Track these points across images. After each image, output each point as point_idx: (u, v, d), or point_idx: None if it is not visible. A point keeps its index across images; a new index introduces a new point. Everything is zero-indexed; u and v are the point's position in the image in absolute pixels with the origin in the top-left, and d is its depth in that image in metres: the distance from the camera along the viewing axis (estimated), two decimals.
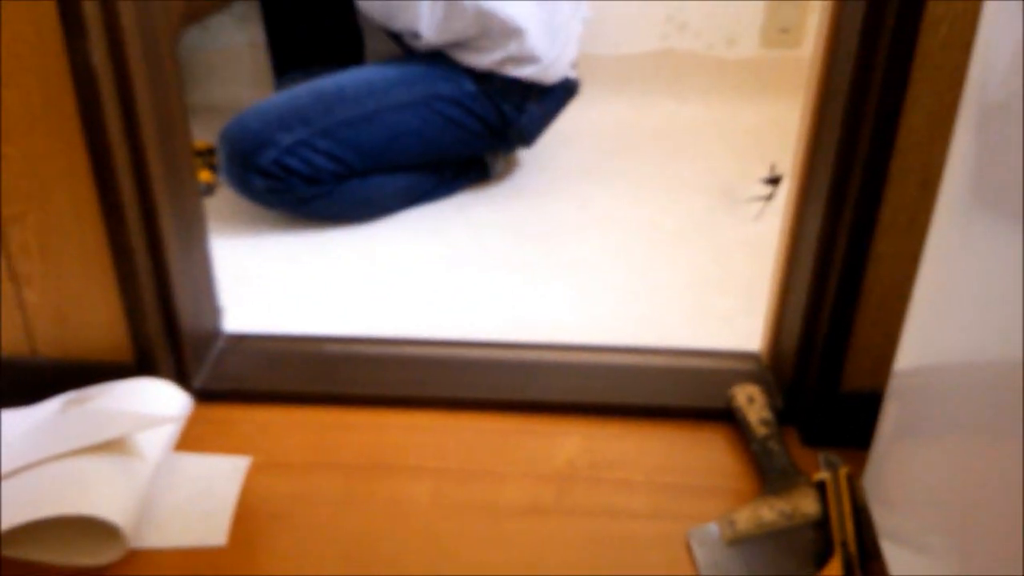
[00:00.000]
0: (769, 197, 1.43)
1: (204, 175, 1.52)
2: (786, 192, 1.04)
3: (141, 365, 0.98)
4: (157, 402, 0.89)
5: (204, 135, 1.51)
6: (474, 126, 1.41)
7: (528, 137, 1.49)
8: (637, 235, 1.39)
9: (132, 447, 0.83)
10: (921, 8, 0.77)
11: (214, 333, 1.10)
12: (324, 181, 1.34)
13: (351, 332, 1.14)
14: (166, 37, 0.93)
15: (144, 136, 0.89)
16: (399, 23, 1.36)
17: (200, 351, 1.05)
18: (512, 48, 1.35)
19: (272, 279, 1.28)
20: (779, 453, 0.91)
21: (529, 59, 1.39)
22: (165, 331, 0.99)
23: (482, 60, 1.39)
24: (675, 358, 1.07)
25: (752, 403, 0.97)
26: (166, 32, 0.93)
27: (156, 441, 0.86)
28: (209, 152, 1.53)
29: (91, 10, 0.81)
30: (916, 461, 0.79)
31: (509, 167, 1.58)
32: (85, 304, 0.96)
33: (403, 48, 1.50)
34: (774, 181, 1.46)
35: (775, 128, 1.72)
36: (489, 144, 1.47)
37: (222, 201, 1.45)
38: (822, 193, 0.91)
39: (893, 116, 0.82)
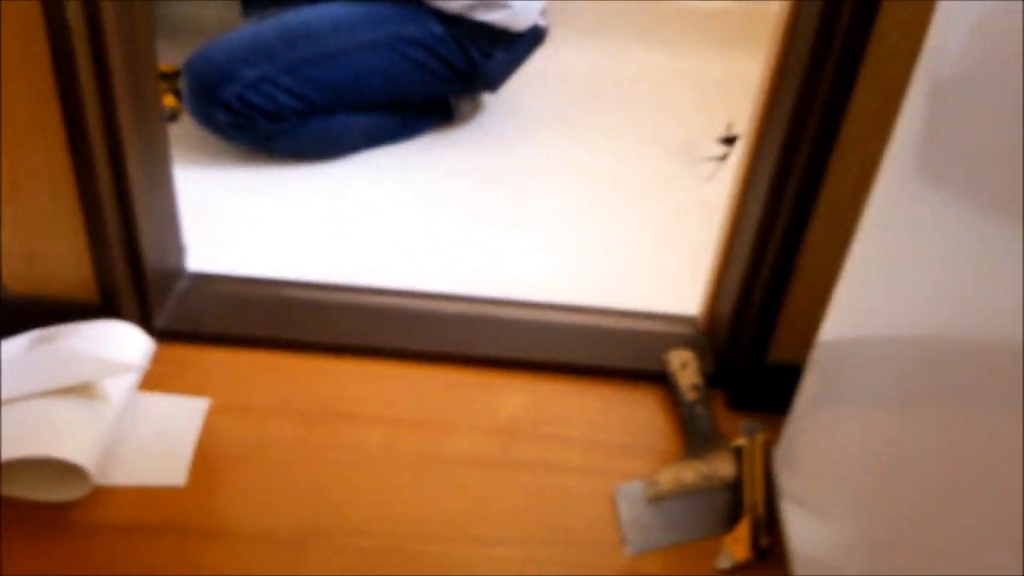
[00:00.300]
0: (723, 158, 1.48)
1: (168, 100, 1.52)
2: (739, 155, 1.08)
3: (106, 304, 1.02)
4: (123, 346, 0.93)
5: (169, 57, 1.50)
6: (439, 69, 1.43)
7: (493, 82, 1.51)
8: (598, 188, 1.43)
9: (98, 390, 0.87)
10: None
11: (177, 272, 1.14)
12: (286, 118, 1.36)
13: (311, 274, 1.18)
14: None
15: (112, 71, 0.90)
16: None
17: (163, 290, 1.09)
18: None
19: (233, 215, 1.31)
20: (704, 419, 0.98)
21: (500, 4, 1.39)
22: (130, 271, 1.03)
23: (452, 2, 1.39)
24: (619, 319, 1.13)
25: (685, 368, 1.04)
26: None
27: (121, 384, 0.90)
28: (174, 75, 1.53)
29: None
30: (827, 429, 0.86)
31: (474, 110, 1.60)
32: (53, 243, 0.99)
33: None
34: (729, 141, 1.51)
35: (741, 79, 1.74)
36: (454, 87, 1.49)
37: (184, 129, 1.46)
38: (771, 160, 0.96)
39: (847, 86, 0.85)
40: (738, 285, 1.02)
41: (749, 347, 1.02)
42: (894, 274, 0.75)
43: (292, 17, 1.36)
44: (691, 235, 1.33)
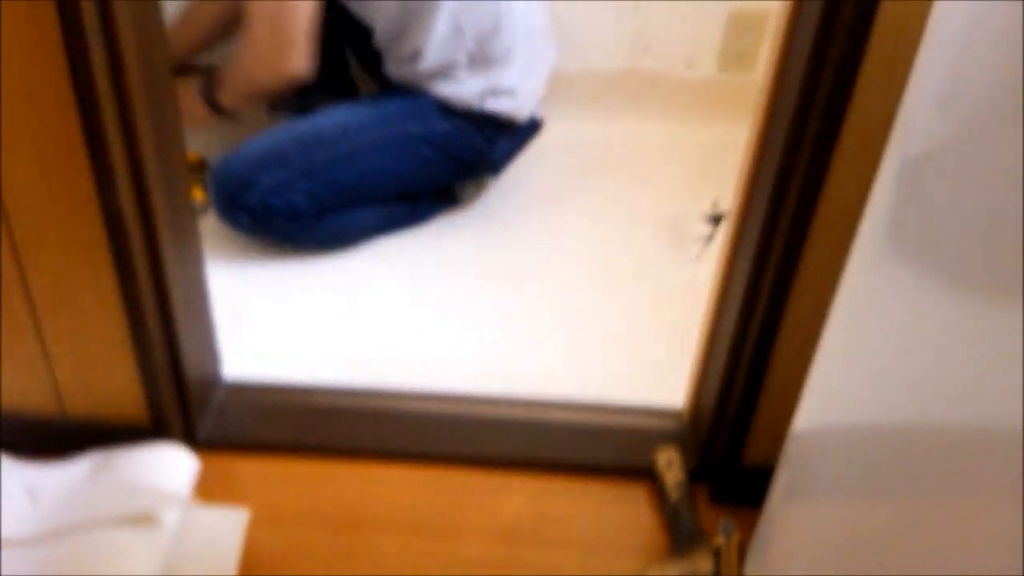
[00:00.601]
0: (709, 238, 1.59)
1: (197, 193, 1.64)
2: (724, 235, 1.15)
3: (155, 423, 1.14)
4: (174, 471, 1.07)
5: (194, 142, 1.62)
6: (445, 163, 1.55)
7: (496, 169, 1.63)
8: (591, 274, 1.55)
9: (154, 518, 1.00)
10: (863, 46, 0.83)
11: (215, 381, 1.26)
12: (303, 217, 1.48)
13: (331, 373, 1.30)
14: (173, 108, 1.04)
15: (157, 216, 1.01)
16: (407, 40, 1.47)
17: (204, 402, 1.22)
18: (493, 78, 1.48)
19: (256, 313, 1.43)
20: (687, 519, 1.10)
21: (507, 92, 1.51)
22: (175, 390, 1.15)
23: (462, 91, 1.50)
24: (610, 415, 1.25)
25: (670, 467, 1.16)
26: (172, 100, 1.04)
27: (174, 510, 1.03)
28: (202, 166, 1.65)
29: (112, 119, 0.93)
30: (797, 523, 0.94)
31: (478, 190, 1.71)
32: (107, 373, 1.11)
33: (379, 83, 1.60)
34: (715, 220, 1.62)
35: (727, 149, 1.85)
36: (459, 176, 1.61)
37: (209, 221, 1.58)
38: (752, 242, 1.01)
39: (823, 163, 0.90)
40: (719, 379, 1.14)
41: (727, 446, 1.14)
42: (864, 360, 0.76)
43: (304, 124, 1.48)
44: (678, 321, 1.44)
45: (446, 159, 1.53)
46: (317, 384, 1.28)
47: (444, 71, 1.49)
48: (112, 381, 1.11)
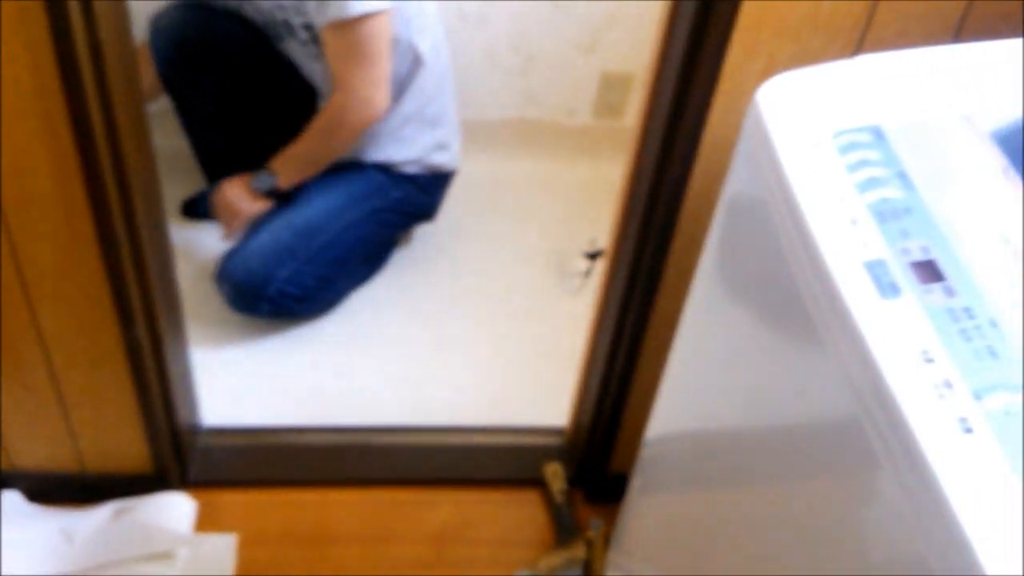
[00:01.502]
0: (587, 273, 1.96)
1: None
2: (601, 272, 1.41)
3: (157, 472, 1.46)
4: (179, 513, 1.40)
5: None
6: (402, 221, 1.89)
7: (433, 215, 1.95)
8: (492, 309, 1.90)
9: (169, 554, 1.34)
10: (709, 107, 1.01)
11: (197, 427, 1.58)
12: (310, 295, 1.78)
13: (288, 412, 1.64)
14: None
15: (154, 295, 1.30)
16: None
17: (191, 447, 1.54)
18: (439, 134, 1.79)
19: (218, 361, 1.74)
20: (568, 518, 1.50)
21: (445, 146, 1.83)
22: (171, 442, 1.47)
23: (414, 149, 1.80)
24: (512, 436, 1.63)
25: (555, 477, 1.55)
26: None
27: (184, 546, 1.37)
28: None
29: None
30: (650, 513, 1.34)
31: (406, 234, 2.03)
32: (118, 438, 1.42)
33: None
34: (592, 256, 1.99)
35: (603, 185, 2.22)
36: (408, 227, 1.95)
37: None
38: (622, 278, 1.26)
39: (677, 204, 1.10)
40: (593, 400, 1.51)
41: (598, 457, 1.53)
42: (701, 377, 0.98)
43: (296, 217, 1.75)
44: (563, 348, 1.82)
45: (403, 218, 1.87)
46: (278, 425, 1.62)
47: (397, 134, 1.77)
48: (122, 443, 1.42)
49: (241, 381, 1.72)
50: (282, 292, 1.73)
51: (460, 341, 1.84)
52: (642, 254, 1.23)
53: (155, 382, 1.35)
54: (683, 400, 1.05)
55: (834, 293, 0.64)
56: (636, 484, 1.31)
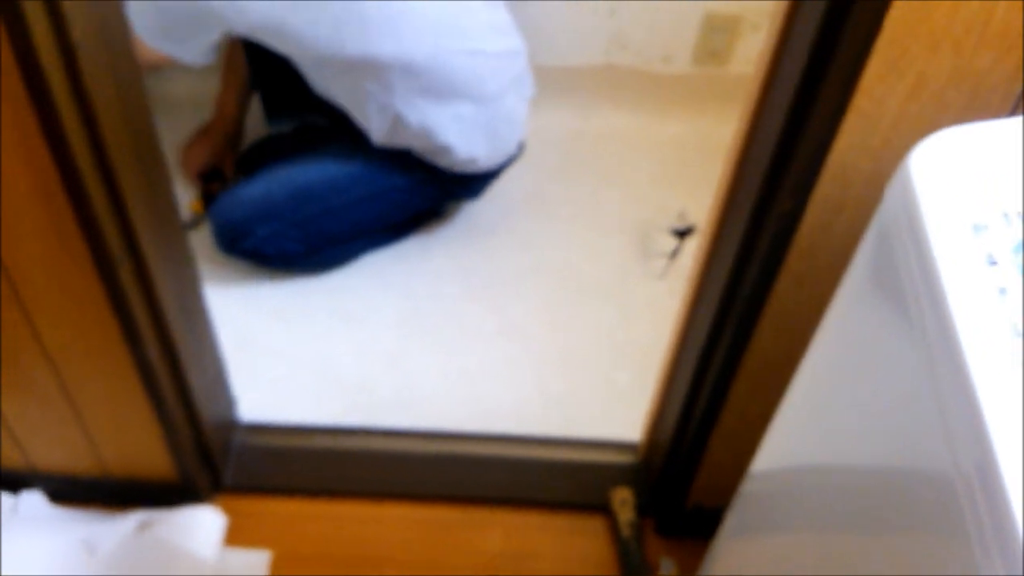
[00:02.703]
0: (674, 254, 1.73)
1: (196, 206, 1.77)
2: (694, 254, 1.14)
3: (183, 479, 1.34)
4: (205, 531, 1.28)
5: (172, 134, 1.72)
6: (427, 203, 1.66)
7: (476, 195, 1.73)
8: (562, 292, 1.69)
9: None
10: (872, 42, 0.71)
11: (232, 425, 1.45)
12: (295, 258, 1.63)
13: (332, 405, 1.49)
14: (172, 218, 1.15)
15: (166, 316, 1.15)
16: (356, 120, 1.55)
17: (224, 448, 1.41)
18: (453, 158, 1.56)
19: (259, 341, 1.59)
20: (635, 554, 1.33)
21: (468, 162, 1.60)
22: (196, 449, 1.34)
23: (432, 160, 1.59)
24: (574, 451, 1.45)
25: (623, 505, 1.37)
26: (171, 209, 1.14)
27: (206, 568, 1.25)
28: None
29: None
30: (749, 557, 1.14)
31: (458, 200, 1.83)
32: (136, 439, 1.29)
33: None
34: (681, 234, 1.75)
35: (699, 143, 1.95)
36: (442, 203, 1.73)
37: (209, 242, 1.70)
38: (725, 266, 0.98)
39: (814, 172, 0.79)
40: (675, 417, 1.30)
41: (675, 486, 1.34)
42: (838, 406, 0.79)
43: (298, 176, 1.58)
44: (641, 344, 1.61)
45: (429, 195, 1.65)
46: (321, 424, 1.47)
47: (392, 136, 1.54)
48: (144, 452, 1.30)
49: (283, 366, 1.57)
50: (259, 251, 1.60)
51: (523, 330, 1.64)
52: (754, 240, 0.94)
53: (171, 394, 1.21)
54: (810, 429, 0.85)
55: None
56: (730, 523, 1.12)
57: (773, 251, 0.90)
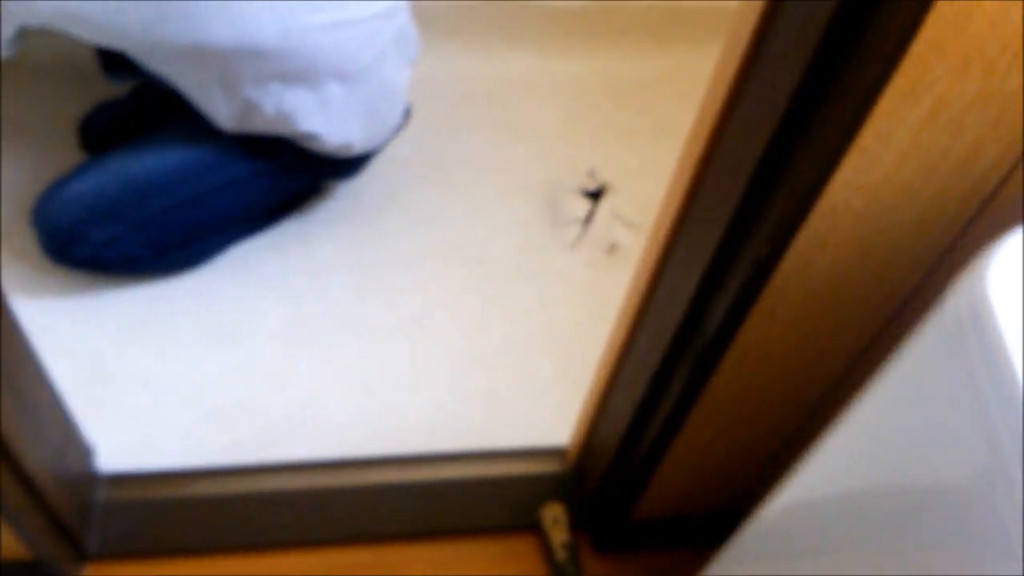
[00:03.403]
0: (587, 219, 1.54)
1: None
2: (646, 236, 0.92)
3: (38, 555, 1.12)
4: None
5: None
6: (298, 184, 1.42)
7: (353, 174, 1.49)
8: (465, 272, 1.49)
9: None
10: None
11: (89, 479, 1.22)
12: (143, 263, 1.37)
13: (208, 440, 1.27)
14: None
15: None
16: (199, 105, 1.28)
17: (83, 507, 1.18)
18: (323, 145, 1.32)
19: (114, 368, 1.34)
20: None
21: (342, 148, 1.36)
22: (46, 518, 1.12)
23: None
24: (493, 464, 1.28)
25: (556, 524, 1.22)
26: None
27: None
28: None
29: None
30: None
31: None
32: None
33: None
34: (593, 196, 1.56)
35: (605, 84, 1.75)
36: (317, 183, 1.48)
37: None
38: (704, 250, 0.77)
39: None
40: (624, 422, 1.08)
41: (618, 499, 1.19)
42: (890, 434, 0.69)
43: (134, 166, 1.30)
44: (560, 326, 1.44)
45: (298, 181, 1.40)
46: (199, 466, 1.26)
47: (244, 123, 1.29)
48: None
49: (145, 396, 1.33)
50: (97, 257, 1.33)
51: (425, 325, 1.44)
52: (720, 281, 0.76)
53: None
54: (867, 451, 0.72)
55: None
56: (729, 556, 0.98)
57: (743, 294, 0.73)
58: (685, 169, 0.81)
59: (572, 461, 1.29)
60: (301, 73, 1.22)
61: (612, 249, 1.52)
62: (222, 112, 1.24)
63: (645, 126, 1.71)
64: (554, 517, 1.23)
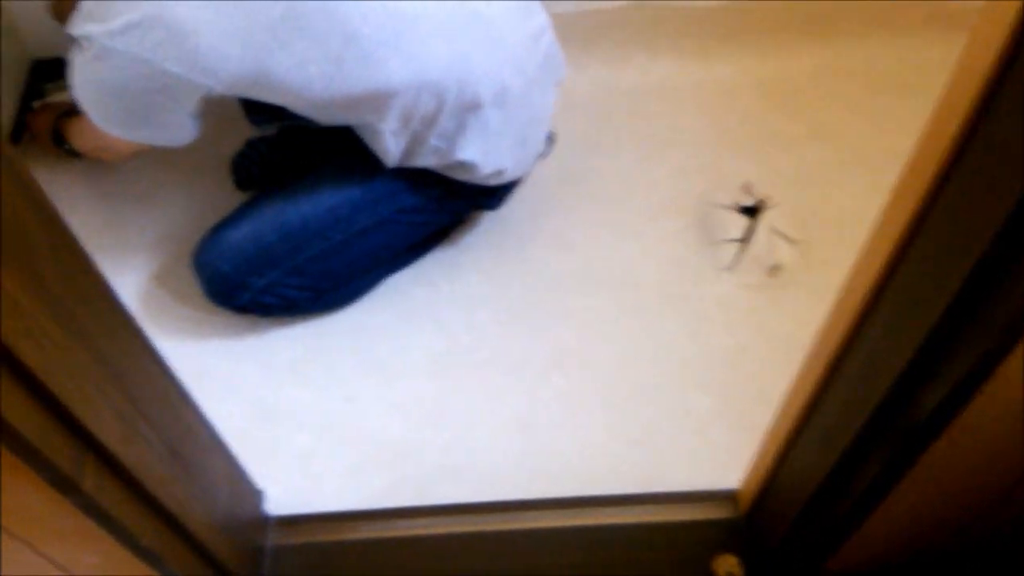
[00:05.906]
0: (744, 239, 1.46)
1: None
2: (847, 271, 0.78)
3: None
4: None
5: None
6: (443, 220, 1.40)
7: (496, 207, 1.46)
8: (614, 301, 1.44)
9: None
10: None
11: (261, 524, 1.24)
12: (303, 305, 1.39)
13: (368, 482, 1.28)
14: None
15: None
16: (369, 145, 1.27)
17: (256, 560, 1.21)
18: (477, 174, 1.28)
19: (278, 406, 1.37)
20: None
21: (494, 175, 1.33)
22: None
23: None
24: (657, 510, 1.23)
25: None
26: None
27: None
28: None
29: None
30: None
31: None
32: None
33: None
34: (749, 212, 1.47)
35: (753, 86, 1.65)
36: (460, 218, 1.46)
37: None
38: (906, 337, 0.68)
39: None
40: (821, 468, 0.96)
41: (812, 550, 1.10)
42: None
43: (290, 213, 1.31)
44: (718, 356, 1.37)
45: (443, 217, 1.39)
46: (366, 508, 1.26)
47: (406, 158, 1.29)
48: None
49: (308, 437, 1.34)
50: (259, 303, 1.36)
51: (577, 356, 1.39)
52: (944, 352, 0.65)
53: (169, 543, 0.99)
54: None
55: None
56: None
57: (966, 383, 0.64)
58: (899, 207, 0.70)
59: (745, 507, 1.23)
60: (466, 101, 1.19)
61: (774, 270, 1.43)
62: (391, 150, 1.24)
63: (800, 131, 1.60)
64: (728, 570, 1.18)
